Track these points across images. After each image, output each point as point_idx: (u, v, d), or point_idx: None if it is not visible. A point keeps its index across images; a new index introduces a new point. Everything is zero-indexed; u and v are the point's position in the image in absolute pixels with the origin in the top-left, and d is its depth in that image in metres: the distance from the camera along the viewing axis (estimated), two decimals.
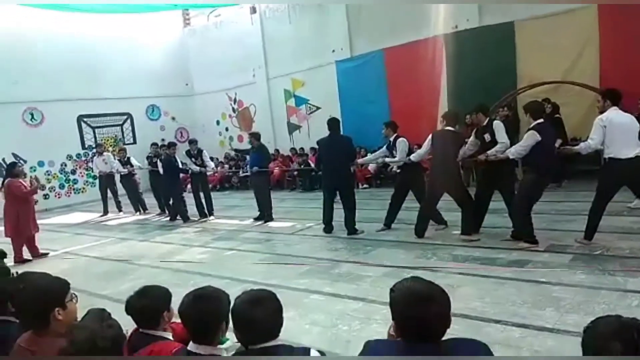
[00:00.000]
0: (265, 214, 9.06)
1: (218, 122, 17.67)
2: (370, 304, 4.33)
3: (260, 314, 1.81)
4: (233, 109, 17.10)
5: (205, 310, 2.01)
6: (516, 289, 4.36)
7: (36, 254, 7.83)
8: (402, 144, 6.97)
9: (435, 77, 11.52)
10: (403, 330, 1.66)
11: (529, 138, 5.39)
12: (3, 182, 7.77)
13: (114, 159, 11.94)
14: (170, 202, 10.35)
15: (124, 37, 15.83)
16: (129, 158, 11.92)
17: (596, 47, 9.42)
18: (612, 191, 5.28)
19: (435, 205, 6.67)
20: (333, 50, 13.64)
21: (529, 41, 10.11)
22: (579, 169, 9.00)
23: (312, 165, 13.04)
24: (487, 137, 5.92)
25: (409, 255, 5.87)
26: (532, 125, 5.48)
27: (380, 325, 3.79)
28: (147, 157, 11.59)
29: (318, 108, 14.46)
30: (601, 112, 5.23)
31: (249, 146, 9.78)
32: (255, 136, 9.27)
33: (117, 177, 11.98)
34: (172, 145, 10.24)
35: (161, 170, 10.28)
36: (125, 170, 11.65)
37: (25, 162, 13.34)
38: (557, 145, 8.36)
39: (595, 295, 4.03)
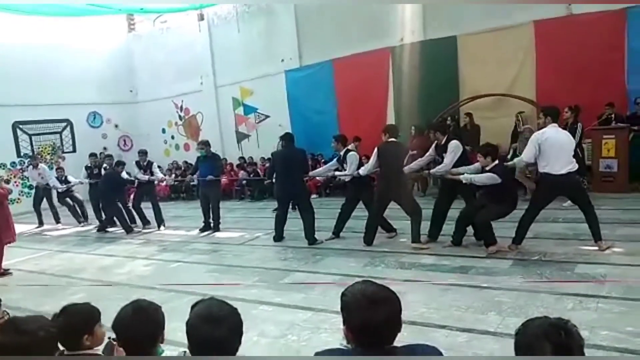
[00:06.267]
0: (213, 224, 8.90)
1: (164, 130, 17.24)
2: (319, 314, 4.32)
3: (220, 333, 1.68)
4: (179, 116, 16.75)
5: (143, 324, 1.96)
6: (460, 295, 4.48)
7: None
8: (352, 157, 7.07)
9: (382, 88, 11.79)
10: (354, 334, 1.63)
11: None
12: None
13: (50, 170, 11.31)
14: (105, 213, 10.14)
15: (64, 41, 15.17)
16: (66, 177, 11.29)
17: (533, 62, 9.94)
18: (543, 203, 5.59)
19: (382, 215, 6.79)
20: (282, 60, 13.65)
21: (471, 55, 10.54)
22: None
23: (261, 174, 13.00)
24: (444, 155, 6.17)
25: (358, 263, 5.92)
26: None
27: (329, 335, 3.80)
28: (87, 168, 11.05)
29: (267, 117, 14.41)
30: (540, 129, 5.52)
31: (197, 154, 9.58)
32: (206, 144, 9.13)
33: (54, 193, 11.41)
34: (120, 163, 10.08)
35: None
36: (64, 186, 11.09)
37: None
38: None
39: (534, 299, 4.21)
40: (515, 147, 9.15)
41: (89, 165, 11.00)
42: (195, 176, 9.37)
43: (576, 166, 5.42)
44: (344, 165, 7.16)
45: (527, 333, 1.51)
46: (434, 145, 6.43)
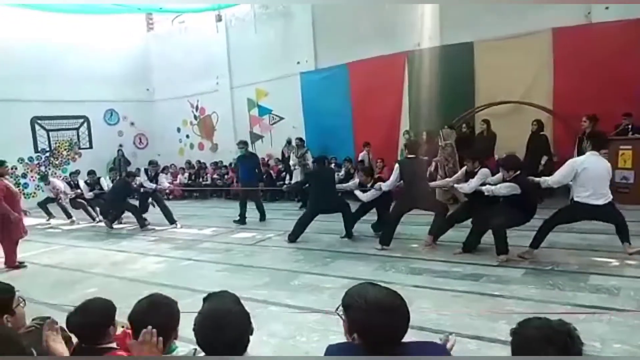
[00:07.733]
0: (260, 215, 9.66)
1: (179, 129, 17.40)
2: (328, 316, 4.31)
3: (229, 334, 1.70)
4: (195, 116, 16.89)
5: (159, 318, 1.97)
6: (471, 302, 4.45)
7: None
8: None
9: (397, 92, 11.76)
10: (364, 337, 1.64)
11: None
12: None
13: (60, 182, 12.02)
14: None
15: (83, 39, 15.45)
16: (78, 182, 11.62)
17: (550, 70, 9.84)
18: (570, 221, 5.67)
19: (400, 218, 6.90)
20: (298, 62, 13.70)
21: (487, 61, 10.45)
22: None
23: (274, 175, 13.11)
24: (470, 180, 6.24)
25: (368, 267, 5.92)
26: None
27: (338, 337, 3.76)
28: (87, 183, 11.22)
29: (281, 118, 14.47)
30: (581, 154, 5.47)
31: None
32: (245, 144, 9.57)
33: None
34: (131, 174, 10.48)
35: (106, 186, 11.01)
36: (72, 193, 11.44)
37: None
38: (542, 162, 8.82)
39: (546, 308, 4.15)
40: (437, 161, 9.63)
41: (88, 181, 11.22)
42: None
43: (610, 197, 5.31)
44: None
45: (525, 334, 1.49)
46: (464, 170, 6.55)
